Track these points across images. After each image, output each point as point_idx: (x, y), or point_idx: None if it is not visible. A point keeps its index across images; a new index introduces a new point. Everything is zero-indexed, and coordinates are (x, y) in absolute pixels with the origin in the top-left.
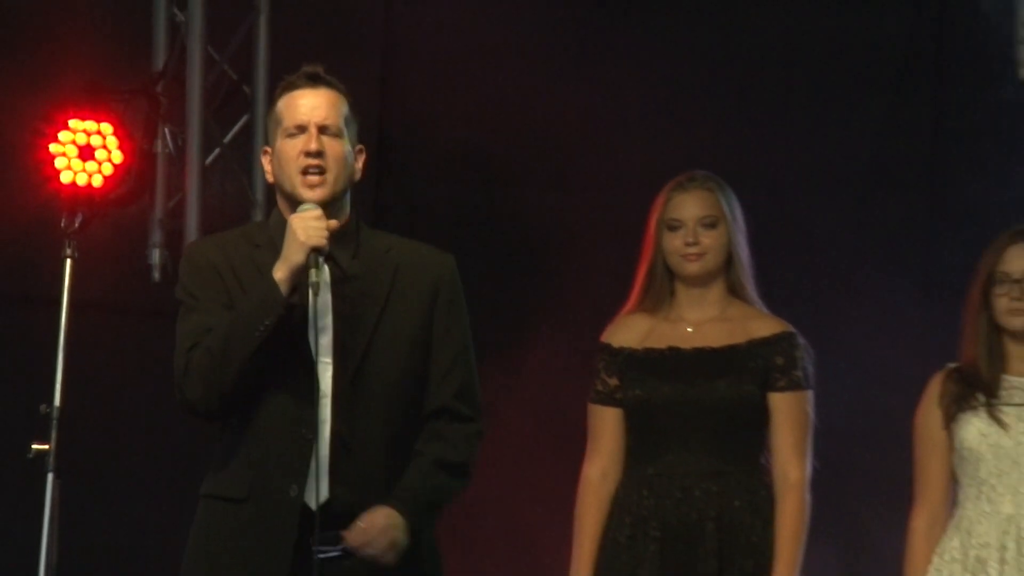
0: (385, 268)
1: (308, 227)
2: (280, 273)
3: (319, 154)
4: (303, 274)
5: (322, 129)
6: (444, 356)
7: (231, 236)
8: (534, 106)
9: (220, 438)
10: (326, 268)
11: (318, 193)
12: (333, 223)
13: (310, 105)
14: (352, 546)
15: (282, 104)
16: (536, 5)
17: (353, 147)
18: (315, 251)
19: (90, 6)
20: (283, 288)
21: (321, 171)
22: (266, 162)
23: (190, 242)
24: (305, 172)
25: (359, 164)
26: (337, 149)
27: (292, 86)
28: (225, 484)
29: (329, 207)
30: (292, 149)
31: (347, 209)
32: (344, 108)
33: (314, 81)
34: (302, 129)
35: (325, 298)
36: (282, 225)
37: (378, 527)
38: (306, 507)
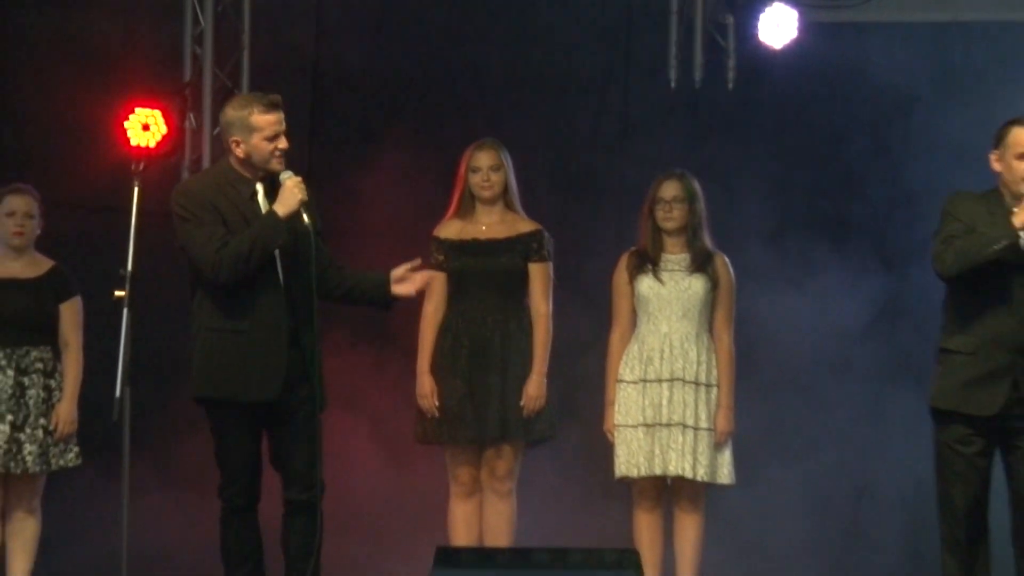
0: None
1: (301, 188)
2: (282, 212)
3: (284, 150)
4: (296, 213)
5: (285, 135)
6: (322, 233)
7: (203, 178)
8: (423, 71)
9: (210, 298)
10: (263, 201)
11: (282, 168)
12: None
13: (277, 121)
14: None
15: (258, 117)
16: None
17: None
18: (303, 203)
19: (148, 45)
20: (285, 222)
21: (283, 156)
22: (235, 147)
23: (178, 184)
24: (279, 158)
25: None
26: (289, 144)
27: (265, 109)
28: (232, 320)
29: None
30: (269, 145)
31: None
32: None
33: (276, 105)
34: (276, 136)
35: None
36: (240, 178)
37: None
38: None
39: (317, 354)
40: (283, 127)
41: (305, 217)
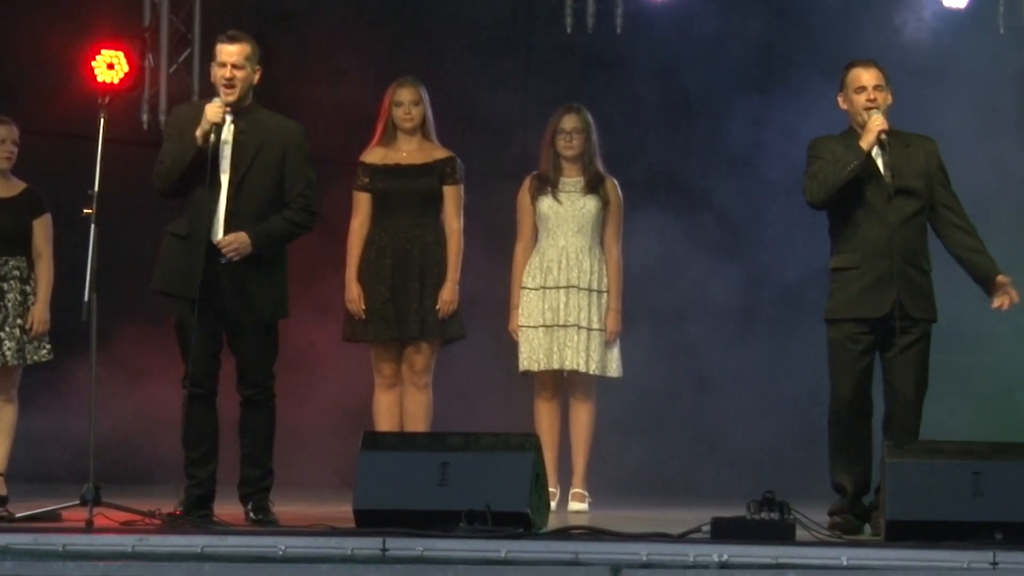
0: (263, 131)
1: (210, 111)
2: (198, 132)
3: (231, 79)
4: (209, 133)
5: (233, 65)
6: (292, 176)
7: (193, 104)
8: (353, 18)
9: (178, 206)
10: (229, 126)
11: (229, 97)
12: (226, 109)
13: (228, 52)
14: (219, 245)
15: (217, 47)
16: None
17: (252, 70)
18: (213, 124)
19: None
20: (198, 141)
21: (231, 85)
22: (213, 74)
23: (175, 106)
24: (224, 86)
25: (256, 78)
26: (239, 74)
27: (222, 40)
28: (178, 228)
29: (236, 102)
30: (219, 72)
31: (249, 99)
32: (247, 50)
33: (232, 39)
34: (223, 66)
35: (229, 142)
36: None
37: (234, 237)
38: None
39: (267, 267)
40: (232, 59)
41: (212, 135)
